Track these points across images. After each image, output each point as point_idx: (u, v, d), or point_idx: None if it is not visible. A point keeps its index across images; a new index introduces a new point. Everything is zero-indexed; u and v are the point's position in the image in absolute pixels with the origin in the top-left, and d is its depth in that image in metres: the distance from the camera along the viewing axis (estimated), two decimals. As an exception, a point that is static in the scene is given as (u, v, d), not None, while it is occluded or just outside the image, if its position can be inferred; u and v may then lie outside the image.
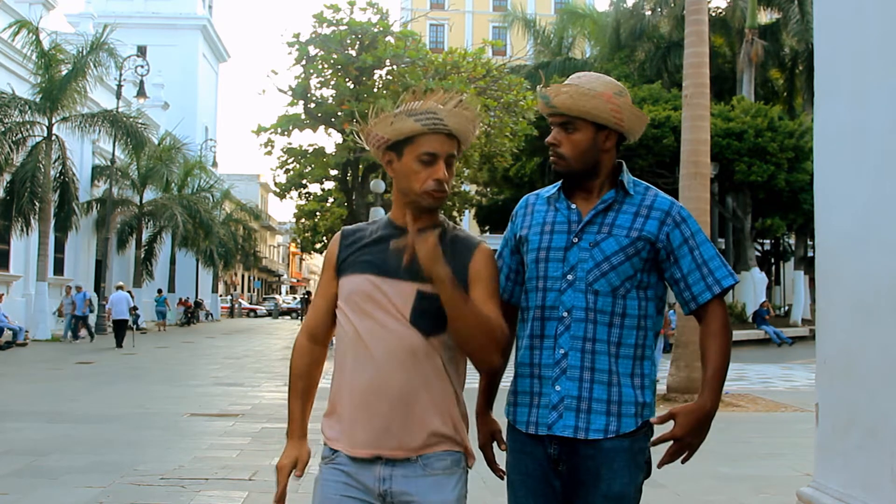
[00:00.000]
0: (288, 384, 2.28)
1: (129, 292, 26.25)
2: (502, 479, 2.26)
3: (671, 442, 2.13)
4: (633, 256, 2.13)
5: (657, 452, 2.16)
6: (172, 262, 37.04)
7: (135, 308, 22.67)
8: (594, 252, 2.13)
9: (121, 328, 20.57)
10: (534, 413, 2.15)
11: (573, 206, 2.21)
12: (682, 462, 2.15)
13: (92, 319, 25.92)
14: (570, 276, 2.14)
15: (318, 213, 32.52)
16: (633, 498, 2.12)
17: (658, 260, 2.17)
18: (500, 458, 2.31)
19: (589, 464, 2.09)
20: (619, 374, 2.11)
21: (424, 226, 2.12)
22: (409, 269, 2.06)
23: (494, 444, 2.33)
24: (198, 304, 40.22)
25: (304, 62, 22.95)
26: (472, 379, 2.16)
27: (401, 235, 2.08)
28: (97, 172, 30.24)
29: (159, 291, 33.79)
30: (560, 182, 2.28)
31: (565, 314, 2.13)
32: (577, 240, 2.16)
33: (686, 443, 2.10)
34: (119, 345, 20.19)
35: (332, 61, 22.75)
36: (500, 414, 2.34)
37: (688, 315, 2.23)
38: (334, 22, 22.85)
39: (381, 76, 23.91)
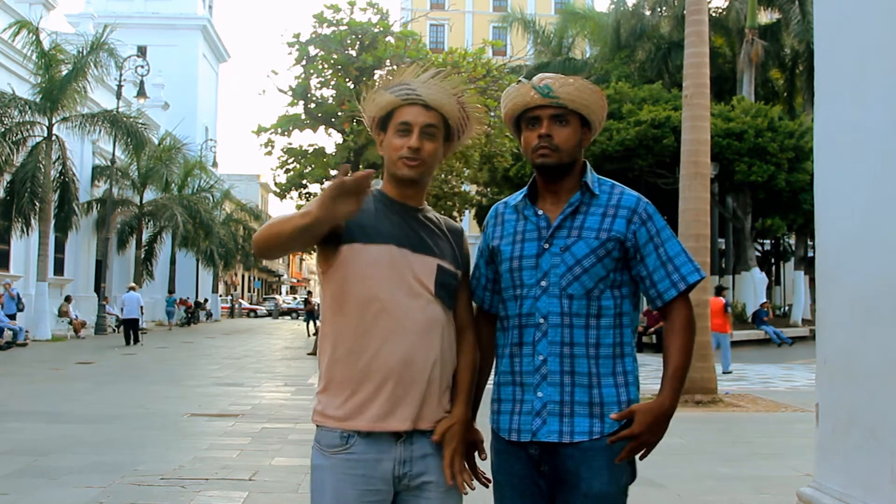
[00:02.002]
0: (281, 221, 1.97)
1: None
2: (487, 486, 2.25)
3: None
4: (604, 258, 2.13)
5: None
6: (172, 262, 37.04)
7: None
8: (565, 256, 2.14)
9: (132, 327, 21.74)
10: (515, 420, 2.16)
11: (540, 212, 2.21)
12: (640, 458, 2.16)
13: (92, 320, 26.00)
14: (543, 283, 2.15)
15: (318, 214, 32.46)
16: (615, 498, 2.11)
17: (627, 258, 2.18)
18: (484, 466, 2.29)
19: (569, 464, 2.09)
20: (600, 375, 2.12)
21: (412, 205, 2.17)
22: (427, 244, 2.13)
23: (476, 455, 2.30)
24: (199, 305, 40.24)
25: (304, 62, 22.95)
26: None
27: (392, 206, 2.14)
28: (97, 172, 30.24)
29: (170, 292, 34.94)
30: (525, 189, 2.28)
31: (542, 321, 2.13)
32: (547, 245, 2.16)
33: (643, 440, 2.11)
34: (133, 342, 21.37)
35: (332, 61, 22.75)
36: (483, 423, 2.33)
37: (656, 311, 2.24)
38: (334, 22, 22.86)
39: (381, 76, 23.89)
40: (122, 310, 22.98)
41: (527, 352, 2.15)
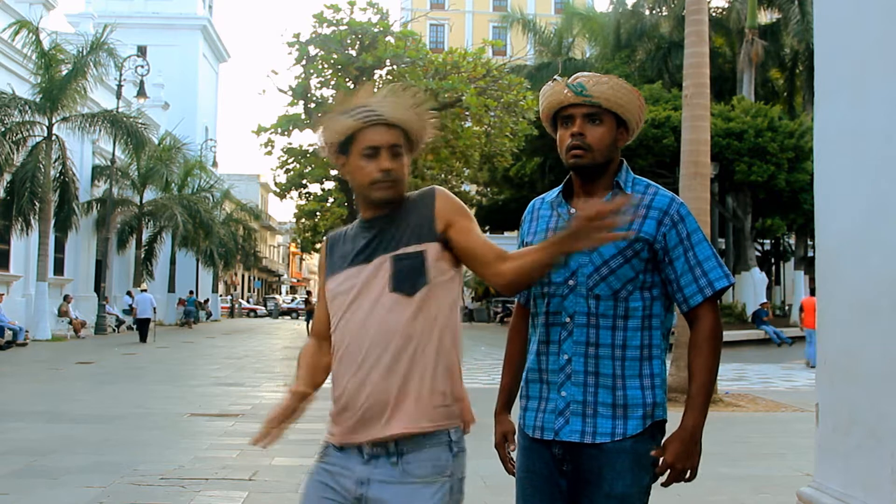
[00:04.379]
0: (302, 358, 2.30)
1: (130, 294, 27.83)
2: (513, 475, 2.29)
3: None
4: (632, 258, 2.11)
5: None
6: (172, 262, 37.07)
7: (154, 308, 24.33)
8: (593, 256, 2.12)
9: (144, 326, 23.10)
10: (539, 418, 2.17)
11: (573, 210, 2.21)
12: (687, 481, 2.15)
13: (92, 320, 26.03)
14: (571, 282, 2.14)
15: (318, 213, 32.51)
16: (636, 499, 2.11)
17: (657, 260, 2.15)
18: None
19: (592, 464, 2.09)
20: (625, 377, 2.11)
21: (384, 213, 2.13)
22: (383, 244, 2.09)
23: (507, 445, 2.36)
24: (199, 305, 40.30)
25: (304, 62, 22.98)
26: (493, 380, 2.17)
27: (362, 227, 2.15)
28: (97, 172, 30.22)
29: (190, 293, 36.42)
30: (562, 186, 2.28)
31: (568, 320, 2.13)
32: None
33: (678, 469, 2.10)
34: (143, 340, 22.54)
35: (332, 61, 22.78)
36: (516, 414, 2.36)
37: (683, 314, 2.22)
38: (334, 22, 22.88)
39: (381, 76, 23.92)
40: (135, 309, 24.25)
41: (553, 350, 2.16)
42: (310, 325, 20.61)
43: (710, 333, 2.13)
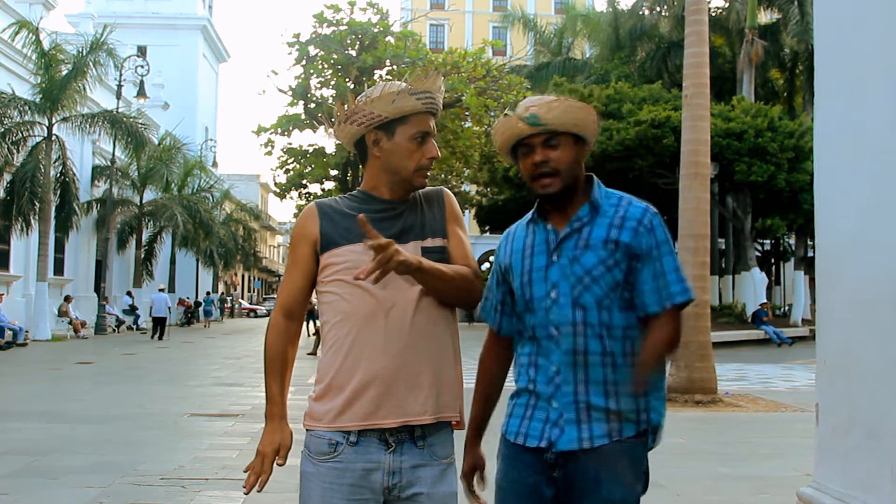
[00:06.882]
0: (264, 364, 2.18)
1: (130, 294, 27.97)
2: None
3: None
4: (613, 268, 2.12)
5: (653, 463, 2.17)
6: (172, 262, 37.05)
7: (168, 307, 25.80)
8: (574, 268, 2.13)
9: (160, 324, 24.69)
10: (525, 425, 2.15)
11: (549, 226, 2.20)
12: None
13: (92, 320, 26.04)
14: (552, 294, 2.14)
15: (318, 213, 32.45)
16: None
17: (630, 267, 2.14)
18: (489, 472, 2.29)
19: (588, 469, 2.07)
20: (617, 384, 2.10)
21: (398, 199, 2.18)
22: (403, 229, 2.12)
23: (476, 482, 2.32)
24: (198, 305, 40.25)
25: (304, 62, 23.00)
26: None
27: (385, 207, 2.15)
28: (97, 172, 30.22)
29: (207, 293, 37.52)
30: (535, 209, 2.27)
31: (554, 332, 2.13)
32: (556, 258, 2.16)
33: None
34: (159, 338, 24.14)
35: (332, 61, 22.80)
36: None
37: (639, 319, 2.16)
38: (334, 22, 22.90)
39: (381, 76, 23.92)
40: (150, 308, 25.89)
41: (541, 363, 2.15)
42: (310, 325, 20.37)
43: (670, 334, 2.10)
